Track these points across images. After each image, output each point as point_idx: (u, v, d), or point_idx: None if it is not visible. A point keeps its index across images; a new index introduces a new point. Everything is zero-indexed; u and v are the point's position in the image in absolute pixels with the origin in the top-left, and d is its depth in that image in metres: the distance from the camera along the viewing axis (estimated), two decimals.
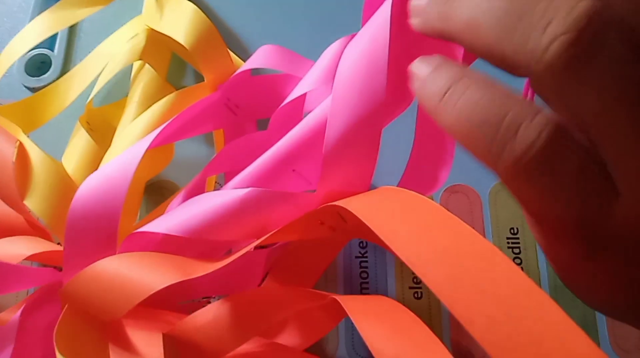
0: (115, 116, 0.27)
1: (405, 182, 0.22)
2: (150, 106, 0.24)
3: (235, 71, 0.25)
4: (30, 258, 0.21)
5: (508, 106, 0.13)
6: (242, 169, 0.21)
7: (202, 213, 0.18)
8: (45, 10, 0.29)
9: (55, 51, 0.30)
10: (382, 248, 0.26)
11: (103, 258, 0.19)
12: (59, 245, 0.22)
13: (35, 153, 0.23)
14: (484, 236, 0.26)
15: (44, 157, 0.23)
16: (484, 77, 0.14)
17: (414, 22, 0.16)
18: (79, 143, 0.25)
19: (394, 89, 0.17)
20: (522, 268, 0.25)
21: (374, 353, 0.15)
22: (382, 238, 0.14)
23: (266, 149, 0.21)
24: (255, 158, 0.21)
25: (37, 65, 0.30)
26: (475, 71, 0.14)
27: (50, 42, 0.31)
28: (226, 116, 0.25)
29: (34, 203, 0.22)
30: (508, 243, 0.26)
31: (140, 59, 0.27)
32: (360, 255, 0.26)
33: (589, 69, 0.12)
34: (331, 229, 0.19)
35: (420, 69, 0.15)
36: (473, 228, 0.21)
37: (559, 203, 0.13)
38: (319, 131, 0.18)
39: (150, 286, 0.17)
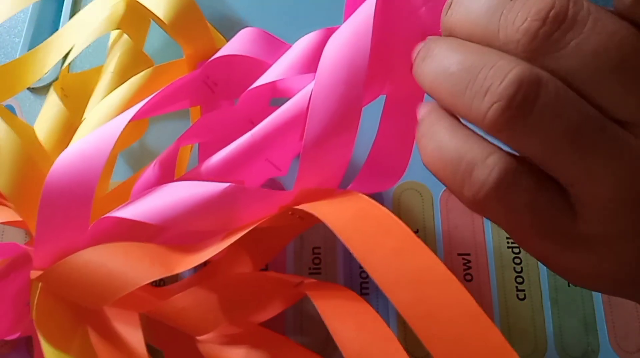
0: (91, 82, 0.26)
1: (363, 175, 0.21)
2: (126, 76, 0.24)
3: (215, 48, 0.24)
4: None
5: (466, 149, 0.15)
6: (215, 140, 0.22)
7: (179, 203, 0.18)
8: (44, 9, 0.29)
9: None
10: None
11: (76, 235, 0.19)
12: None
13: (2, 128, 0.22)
14: (484, 236, 0.26)
15: (7, 129, 0.22)
16: (449, 121, 0.16)
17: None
18: (52, 110, 0.25)
19: (369, 81, 0.17)
20: (522, 268, 0.25)
21: (341, 349, 0.17)
22: (354, 255, 0.15)
23: (238, 124, 0.21)
24: (228, 132, 0.21)
25: None
26: (443, 114, 0.16)
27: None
28: (204, 93, 0.24)
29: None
30: (508, 243, 0.26)
31: (118, 28, 0.26)
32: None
33: (526, 125, 0.13)
34: (300, 218, 0.19)
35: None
36: (473, 228, 0.24)
37: (520, 226, 0.15)
38: (294, 121, 0.19)
39: (135, 280, 0.18)
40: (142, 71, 0.24)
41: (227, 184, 0.18)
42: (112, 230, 0.20)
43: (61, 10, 0.31)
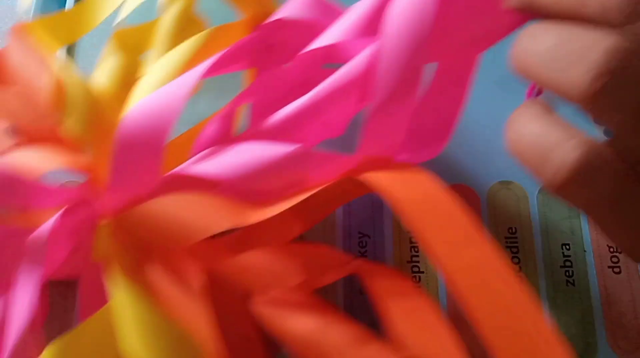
0: (143, 37, 0.26)
1: (408, 142, 0.22)
2: (180, 35, 0.24)
3: (273, 12, 0.24)
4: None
5: (550, 131, 0.15)
6: (267, 101, 0.22)
7: (251, 162, 0.18)
8: (46, 10, 0.29)
9: None
10: (381, 246, 0.26)
11: (147, 182, 0.19)
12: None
13: (67, 72, 0.22)
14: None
15: (78, 78, 0.22)
16: (536, 107, 0.16)
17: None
18: (110, 59, 0.25)
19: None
20: (520, 267, 0.25)
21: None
22: (417, 239, 0.16)
23: (290, 86, 0.22)
24: (280, 93, 0.22)
25: None
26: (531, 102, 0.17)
27: None
28: (260, 55, 0.24)
29: (72, 121, 0.21)
30: (506, 242, 0.25)
31: None
32: (360, 255, 0.26)
33: (620, 93, 0.14)
34: (355, 186, 0.19)
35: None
36: None
37: (602, 214, 0.15)
38: (352, 84, 0.19)
39: (211, 227, 0.18)
40: (196, 31, 0.24)
41: (297, 145, 0.18)
42: (181, 183, 0.20)
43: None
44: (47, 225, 0.20)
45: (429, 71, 0.21)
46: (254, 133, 0.21)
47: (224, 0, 0.28)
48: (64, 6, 0.31)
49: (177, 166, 0.21)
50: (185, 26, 0.25)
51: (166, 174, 0.20)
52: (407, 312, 0.19)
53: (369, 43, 0.19)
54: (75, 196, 0.22)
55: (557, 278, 0.25)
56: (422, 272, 0.25)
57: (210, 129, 0.22)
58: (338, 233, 0.26)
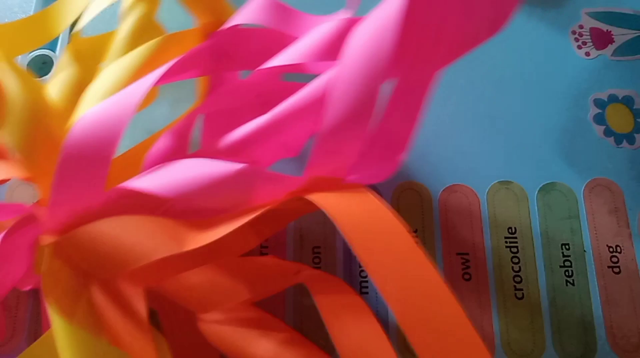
0: (102, 47, 0.26)
1: (364, 161, 0.21)
2: (138, 43, 0.23)
3: (229, 17, 0.24)
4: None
5: None
6: (222, 112, 0.22)
7: (195, 179, 0.18)
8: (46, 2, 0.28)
9: (57, 51, 0.30)
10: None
11: (91, 197, 0.19)
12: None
13: (11, 81, 0.21)
14: (482, 235, 0.26)
15: (19, 84, 0.21)
16: None
17: None
18: (64, 70, 0.25)
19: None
20: (520, 267, 0.25)
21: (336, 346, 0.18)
22: (357, 255, 0.16)
23: (246, 98, 0.22)
24: (236, 104, 0.22)
25: (38, 66, 0.29)
26: None
27: (51, 43, 0.29)
28: (213, 63, 0.24)
29: (8, 133, 0.20)
30: (506, 242, 0.26)
31: None
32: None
33: None
34: (305, 204, 0.19)
35: None
36: (472, 228, 0.25)
37: None
38: (312, 106, 0.19)
39: (147, 255, 0.18)
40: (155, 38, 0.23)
41: (243, 164, 0.18)
42: (124, 199, 0.19)
43: None
44: None
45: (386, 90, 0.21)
46: (209, 151, 0.21)
47: (183, 7, 0.28)
48: None
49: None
50: (144, 34, 0.25)
51: (110, 190, 0.19)
52: (346, 323, 0.19)
53: (329, 66, 0.19)
54: (24, 211, 0.21)
55: (556, 278, 0.25)
56: None
57: (163, 144, 0.22)
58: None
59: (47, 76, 0.29)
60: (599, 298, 0.25)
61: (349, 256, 0.26)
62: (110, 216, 0.19)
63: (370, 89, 0.17)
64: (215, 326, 0.20)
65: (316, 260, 0.26)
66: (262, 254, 0.26)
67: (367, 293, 0.25)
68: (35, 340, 0.24)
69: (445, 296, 0.15)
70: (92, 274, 0.19)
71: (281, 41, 0.24)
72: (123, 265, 0.18)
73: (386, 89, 0.21)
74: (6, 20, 0.31)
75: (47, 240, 0.19)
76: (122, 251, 0.18)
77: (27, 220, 0.21)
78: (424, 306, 0.15)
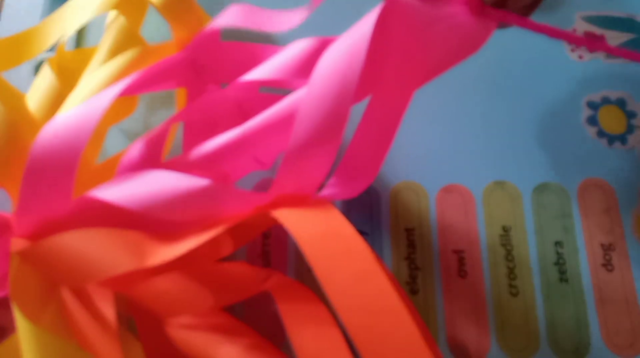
0: (86, 60, 0.26)
1: (336, 178, 0.21)
2: (118, 55, 0.24)
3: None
4: None
5: None
6: (202, 122, 0.22)
7: (162, 192, 0.18)
8: (44, 10, 0.29)
9: None
10: (378, 245, 0.26)
11: (58, 204, 0.19)
12: None
13: None
14: (477, 233, 0.26)
15: None
16: None
17: None
18: (44, 82, 0.25)
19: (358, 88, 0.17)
20: (514, 264, 0.26)
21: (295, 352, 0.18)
22: (315, 273, 0.16)
23: (226, 108, 0.22)
24: (216, 115, 0.22)
25: None
26: None
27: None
28: (191, 75, 0.24)
29: None
30: (501, 240, 0.26)
31: (115, 9, 0.26)
32: None
33: None
34: (273, 219, 0.19)
35: None
36: (467, 226, 0.26)
37: None
38: (284, 122, 0.19)
39: (108, 269, 0.18)
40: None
41: (209, 181, 0.18)
42: (94, 208, 0.19)
43: None
44: None
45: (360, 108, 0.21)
46: (180, 162, 0.21)
47: (165, 19, 0.29)
48: None
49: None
50: (125, 47, 0.25)
51: (77, 199, 0.19)
52: (307, 332, 0.19)
53: (303, 84, 0.19)
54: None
55: (550, 276, 0.25)
56: (419, 268, 0.26)
57: (136, 151, 0.22)
58: None
59: None
60: (592, 294, 0.25)
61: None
62: (77, 225, 0.19)
63: (339, 110, 0.17)
64: (182, 330, 0.20)
65: None
66: (264, 251, 0.26)
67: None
68: None
69: (400, 315, 0.15)
70: (60, 282, 0.19)
71: (255, 54, 0.25)
72: (87, 278, 0.18)
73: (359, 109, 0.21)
74: (14, 23, 0.31)
75: (17, 244, 0.19)
76: (86, 264, 0.18)
77: (2, 227, 0.20)
78: (377, 325, 0.15)
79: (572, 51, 0.30)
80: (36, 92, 0.25)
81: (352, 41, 0.18)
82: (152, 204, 0.18)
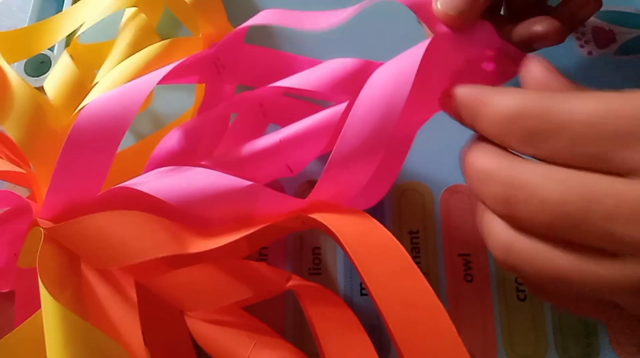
0: (102, 54, 0.27)
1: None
2: (138, 49, 0.24)
3: (229, 30, 0.25)
4: None
5: None
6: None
7: (201, 189, 0.18)
8: (44, 9, 0.29)
9: (55, 51, 0.29)
10: None
11: (91, 186, 0.19)
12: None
13: (15, 79, 0.22)
14: None
15: (23, 83, 0.22)
16: None
17: None
18: (63, 70, 0.25)
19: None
20: None
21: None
22: (358, 269, 0.17)
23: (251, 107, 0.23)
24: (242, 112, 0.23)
25: (36, 65, 0.29)
26: None
27: None
28: (212, 72, 0.25)
29: (11, 127, 0.21)
30: None
31: (135, 6, 0.27)
32: None
33: None
34: (302, 223, 0.20)
35: None
36: (473, 229, 0.26)
37: None
38: (319, 134, 0.21)
39: (148, 252, 0.18)
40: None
41: (250, 182, 0.18)
42: (124, 198, 0.19)
43: (62, 8, 0.31)
44: None
45: None
46: (218, 162, 0.21)
47: (181, 20, 0.29)
48: (62, 8, 0.31)
49: (129, 175, 0.20)
50: (144, 43, 0.25)
51: (115, 187, 0.19)
52: (333, 333, 0.19)
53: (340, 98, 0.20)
54: (14, 200, 0.21)
55: None
56: (424, 273, 0.25)
57: (171, 142, 0.22)
58: None
59: (44, 75, 0.29)
60: None
61: (350, 258, 0.26)
62: (107, 208, 0.19)
63: (384, 129, 0.18)
64: (202, 324, 0.20)
65: (316, 261, 0.25)
66: (261, 255, 0.26)
67: (366, 295, 0.25)
68: None
69: (438, 311, 0.16)
70: (90, 263, 0.19)
71: (278, 59, 0.25)
72: (122, 259, 0.18)
73: None
74: (5, 19, 0.31)
75: (46, 224, 0.19)
76: (123, 244, 0.18)
77: (17, 211, 0.21)
78: (418, 322, 0.16)
79: (582, 47, 0.29)
80: (55, 79, 0.25)
81: (402, 67, 0.18)
82: (192, 199, 0.18)
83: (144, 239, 0.18)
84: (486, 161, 0.17)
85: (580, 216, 0.15)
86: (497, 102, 0.17)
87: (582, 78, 0.23)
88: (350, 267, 0.25)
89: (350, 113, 0.18)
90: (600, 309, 0.17)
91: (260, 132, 0.25)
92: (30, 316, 0.22)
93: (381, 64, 0.20)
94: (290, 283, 0.21)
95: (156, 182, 0.19)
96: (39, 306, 0.21)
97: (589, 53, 0.29)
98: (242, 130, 0.25)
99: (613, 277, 0.15)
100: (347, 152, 0.18)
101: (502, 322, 0.24)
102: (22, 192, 0.25)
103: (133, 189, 0.19)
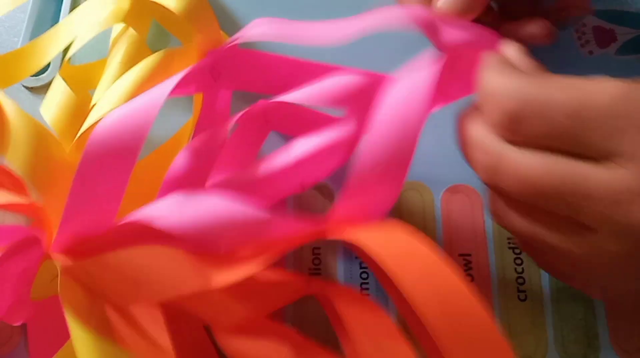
0: (94, 74, 0.26)
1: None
2: (131, 66, 0.24)
3: (221, 40, 0.25)
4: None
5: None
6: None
7: (217, 220, 0.18)
8: (43, 9, 0.29)
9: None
10: None
11: (107, 212, 0.18)
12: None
13: (11, 107, 0.21)
14: (485, 236, 0.25)
15: (21, 111, 0.21)
16: None
17: None
18: (59, 96, 0.24)
19: None
20: (523, 268, 0.25)
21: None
22: (393, 280, 0.16)
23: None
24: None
25: None
26: None
27: None
28: (208, 81, 0.24)
29: (14, 159, 0.20)
30: (509, 243, 0.25)
31: (123, 22, 0.26)
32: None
33: None
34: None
35: None
36: (474, 229, 0.26)
37: None
38: (333, 154, 0.21)
39: (174, 290, 0.18)
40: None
41: (267, 214, 0.18)
42: (140, 229, 0.19)
43: (60, 10, 0.31)
44: None
45: None
46: (231, 182, 0.21)
47: (169, 31, 0.29)
48: (60, 8, 0.31)
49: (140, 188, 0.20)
50: (137, 57, 0.25)
51: (130, 221, 0.18)
52: (367, 331, 0.19)
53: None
54: (22, 234, 0.20)
55: (560, 281, 0.25)
56: None
57: (182, 163, 0.21)
58: None
59: (44, 74, 0.29)
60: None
61: (349, 258, 0.25)
62: (123, 241, 0.19)
63: (404, 150, 0.18)
64: (234, 338, 0.20)
65: (316, 261, 0.25)
66: None
67: (367, 295, 0.25)
68: None
69: (476, 308, 0.16)
70: (112, 300, 0.19)
71: (277, 64, 0.25)
72: (149, 297, 0.18)
73: None
74: (5, 19, 0.31)
75: (61, 259, 0.19)
76: (148, 283, 0.18)
77: (28, 242, 0.20)
78: (456, 315, 0.16)
79: (582, 46, 0.29)
80: (52, 105, 0.25)
81: (417, 87, 0.18)
82: (210, 232, 0.18)
83: (170, 276, 0.18)
84: (477, 131, 0.19)
85: (562, 195, 0.17)
86: (487, 80, 0.18)
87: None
88: (350, 268, 0.25)
89: (367, 137, 0.18)
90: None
91: (261, 140, 0.25)
92: (44, 349, 0.22)
93: (388, 77, 0.20)
94: (315, 286, 0.20)
95: (173, 216, 0.18)
96: (53, 339, 0.22)
97: (589, 53, 0.29)
98: (244, 138, 0.24)
99: (585, 246, 0.17)
100: (366, 174, 0.18)
101: (502, 321, 0.24)
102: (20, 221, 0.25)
103: (145, 223, 0.18)
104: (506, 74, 0.18)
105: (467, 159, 0.19)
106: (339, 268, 0.25)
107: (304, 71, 0.24)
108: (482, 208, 0.26)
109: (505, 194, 0.18)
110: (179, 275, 0.18)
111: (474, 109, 0.19)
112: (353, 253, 0.25)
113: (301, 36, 0.21)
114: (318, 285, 0.20)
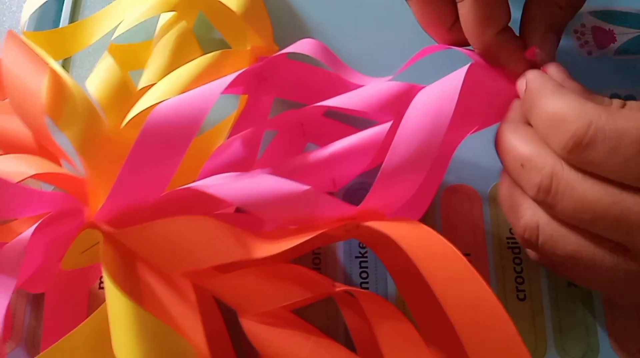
0: (138, 55, 0.28)
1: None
2: (181, 57, 0.26)
3: (273, 48, 0.27)
4: (35, 176, 0.21)
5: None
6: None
7: (265, 193, 0.19)
8: (44, 9, 0.30)
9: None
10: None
11: (157, 187, 0.19)
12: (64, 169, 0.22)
13: (69, 80, 0.22)
14: (484, 236, 0.25)
15: (77, 85, 0.22)
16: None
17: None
18: (107, 73, 0.25)
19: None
20: (522, 268, 0.25)
21: None
22: (423, 273, 0.18)
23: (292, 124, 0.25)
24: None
25: None
26: None
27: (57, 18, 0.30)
28: (255, 84, 0.25)
29: (68, 129, 0.21)
30: (508, 243, 0.25)
31: (173, 10, 0.27)
32: (360, 255, 0.25)
33: None
34: (346, 231, 0.21)
35: None
36: (473, 228, 0.27)
37: None
38: (366, 152, 0.22)
39: (215, 258, 0.19)
40: (194, 55, 0.25)
41: (308, 187, 0.19)
42: (184, 202, 0.20)
43: (61, 10, 0.31)
44: (27, 233, 0.20)
45: None
46: (276, 169, 0.22)
47: (216, 27, 0.29)
48: (62, 8, 0.31)
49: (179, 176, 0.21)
50: (186, 47, 0.26)
51: (182, 188, 0.19)
52: (391, 337, 0.20)
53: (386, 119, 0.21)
54: (63, 202, 0.21)
55: (559, 280, 0.25)
56: None
57: (233, 150, 0.23)
58: None
59: None
60: (600, 299, 0.24)
61: (349, 259, 0.25)
62: (168, 210, 0.20)
63: (430, 145, 0.19)
64: (258, 325, 0.21)
65: (316, 261, 0.25)
66: None
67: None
68: (33, 346, 0.24)
69: (498, 312, 0.17)
70: (155, 267, 0.20)
71: (321, 78, 0.26)
72: (192, 264, 0.19)
73: None
74: (5, 19, 0.31)
75: (104, 227, 0.20)
76: (191, 251, 0.19)
77: (69, 212, 0.21)
78: (481, 324, 0.17)
79: (581, 47, 0.30)
80: (98, 79, 0.25)
81: (445, 90, 0.20)
82: (258, 203, 0.19)
83: (212, 245, 0.19)
84: (531, 149, 0.19)
85: (620, 225, 0.17)
86: (549, 101, 0.19)
87: (582, 78, 0.23)
88: (350, 268, 0.25)
89: (399, 131, 0.19)
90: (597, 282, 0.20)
91: (298, 151, 0.26)
92: (60, 319, 0.23)
93: (422, 87, 0.21)
94: (337, 288, 0.21)
95: (225, 186, 0.19)
96: (69, 310, 0.23)
97: (589, 53, 0.29)
98: (282, 147, 0.25)
99: (622, 265, 0.18)
100: (397, 166, 0.19)
101: None
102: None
103: (197, 191, 0.19)
104: (567, 96, 0.18)
105: (512, 174, 0.20)
106: (339, 268, 0.25)
107: (346, 86, 0.25)
108: (482, 208, 0.26)
109: (554, 211, 0.19)
110: (222, 243, 0.19)
111: (519, 125, 0.21)
112: (353, 253, 0.25)
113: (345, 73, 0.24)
114: (342, 288, 0.21)
